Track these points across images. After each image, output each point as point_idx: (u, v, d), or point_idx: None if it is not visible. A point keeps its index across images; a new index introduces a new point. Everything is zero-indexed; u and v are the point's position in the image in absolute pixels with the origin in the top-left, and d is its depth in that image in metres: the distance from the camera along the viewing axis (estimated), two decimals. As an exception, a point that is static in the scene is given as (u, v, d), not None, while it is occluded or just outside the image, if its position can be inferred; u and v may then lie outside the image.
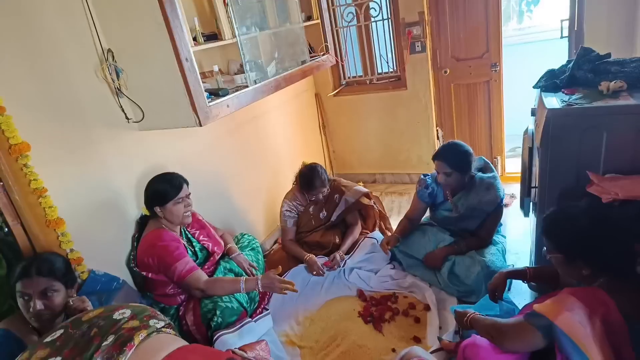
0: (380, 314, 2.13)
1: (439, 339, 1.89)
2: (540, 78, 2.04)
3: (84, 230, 1.74)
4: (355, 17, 3.48)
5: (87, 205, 1.79)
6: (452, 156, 2.14)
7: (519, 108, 2.79)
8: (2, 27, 1.50)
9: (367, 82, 3.66)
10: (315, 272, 2.34)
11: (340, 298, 2.31)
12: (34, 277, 1.38)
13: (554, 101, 1.77)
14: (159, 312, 0.87)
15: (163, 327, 0.81)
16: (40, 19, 1.62)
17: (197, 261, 1.94)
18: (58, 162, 1.67)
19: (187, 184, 1.91)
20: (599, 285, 1.30)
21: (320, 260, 2.41)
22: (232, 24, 2.14)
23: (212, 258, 2.01)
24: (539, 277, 1.75)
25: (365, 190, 2.62)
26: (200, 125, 1.85)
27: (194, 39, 2.04)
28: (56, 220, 1.60)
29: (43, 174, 1.57)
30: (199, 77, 1.85)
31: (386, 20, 3.40)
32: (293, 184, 2.61)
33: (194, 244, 2.00)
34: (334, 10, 3.47)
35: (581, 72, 1.90)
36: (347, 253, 2.45)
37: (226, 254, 2.11)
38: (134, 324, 0.79)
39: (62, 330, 0.80)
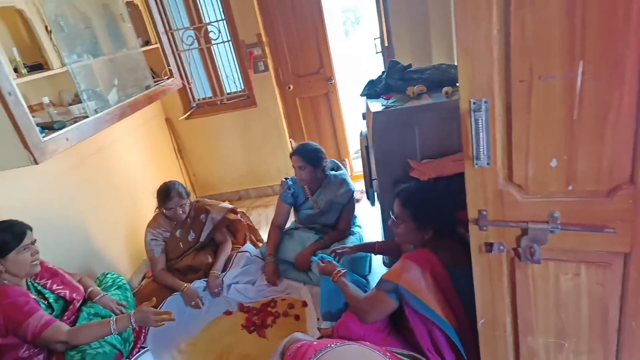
0: (262, 320, 2.22)
1: (319, 329, 2.07)
2: (364, 87, 2.41)
3: None
4: (195, 40, 3.53)
5: None
6: (304, 151, 2.40)
7: (358, 113, 3.21)
8: None
9: (218, 102, 3.73)
10: (194, 304, 2.31)
11: (222, 316, 2.32)
12: None
13: (376, 106, 2.12)
14: None
15: None
16: None
17: (54, 313, 1.74)
18: None
19: (31, 229, 1.71)
20: (428, 247, 1.64)
21: (199, 284, 2.38)
22: (59, 52, 2.00)
23: (71, 307, 1.82)
24: (385, 250, 2.09)
25: (230, 206, 2.70)
26: (37, 163, 1.69)
27: (15, 70, 1.86)
28: None
29: None
30: (28, 111, 1.69)
31: (227, 43, 3.53)
32: (155, 211, 2.53)
33: (46, 295, 1.79)
34: (172, 34, 3.46)
35: (392, 80, 2.31)
36: (223, 271, 2.47)
37: (88, 299, 1.93)
38: None
39: None
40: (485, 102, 1.01)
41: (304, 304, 2.30)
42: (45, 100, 1.95)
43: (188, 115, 3.70)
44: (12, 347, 1.62)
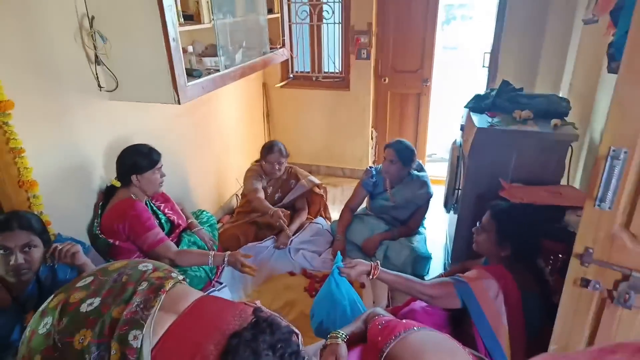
0: (323, 289, 2.41)
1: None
2: (470, 100, 2.48)
3: (52, 194, 1.73)
4: (308, 16, 3.70)
5: (58, 170, 1.77)
6: (401, 148, 2.52)
7: (439, 120, 3.27)
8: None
9: (313, 78, 3.90)
10: (278, 224, 2.53)
11: (286, 274, 2.54)
12: (16, 230, 1.37)
13: (482, 121, 2.20)
14: (174, 269, 0.97)
15: (181, 280, 0.93)
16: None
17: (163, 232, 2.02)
18: (35, 124, 1.64)
19: (161, 156, 1.99)
20: (503, 265, 1.73)
21: (268, 243, 2.62)
22: (210, 8, 2.22)
23: (176, 230, 2.10)
24: None
25: (318, 181, 2.94)
26: (179, 104, 1.93)
27: (175, 18, 2.09)
28: (30, 182, 1.59)
29: (22, 134, 1.55)
30: (182, 58, 1.92)
31: (337, 24, 3.67)
32: (253, 163, 2.80)
33: (159, 215, 2.07)
34: (289, 5, 3.64)
35: (500, 100, 2.37)
36: (294, 234, 2.69)
37: (188, 228, 2.20)
38: (160, 274, 0.91)
39: (92, 277, 0.90)
40: (625, 152, 1.09)
41: (362, 285, 2.47)
42: (190, 48, 2.19)
43: (284, 85, 3.90)
44: (127, 251, 1.91)
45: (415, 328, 1.26)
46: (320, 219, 2.84)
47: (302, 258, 2.62)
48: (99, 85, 1.94)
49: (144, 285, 0.87)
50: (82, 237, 1.91)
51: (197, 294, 0.91)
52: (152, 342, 0.78)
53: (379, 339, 1.23)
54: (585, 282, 1.23)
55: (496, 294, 1.59)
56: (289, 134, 4.11)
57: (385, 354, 1.18)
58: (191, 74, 2.10)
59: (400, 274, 1.79)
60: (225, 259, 1.90)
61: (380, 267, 1.73)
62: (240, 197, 3.03)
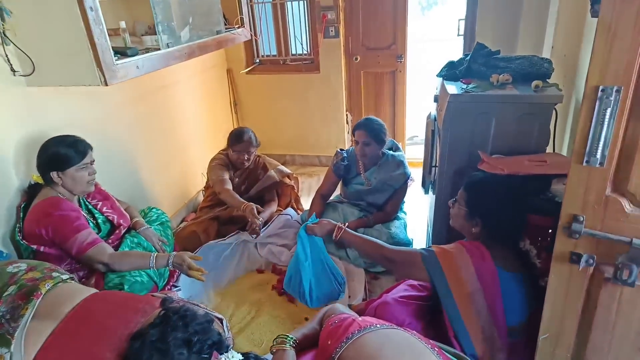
0: (293, 286, 2.18)
1: (349, 306, 2.00)
2: (442, 68, 2.25)
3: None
4: (270, -6, 3.44)
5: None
6: (371, 127, 2.30)
7: (419, 99, 3.06)
8: None
9: (281, 62, 3.65)
10: (250, 224, 2.27)
11: (253, 273, 2.31)
12: None
13: (454, 89, 1.97)
14: (59, 267, 0.86)
15: (68, 278, 0.80)
16: None
17: (100, 234, 1.77)
18: None
19: (92, 149, 1.73)
20: (480, 241, 1.51)
21: (232, 239, 2.38)
22: (143, -21, 1.97)
23: (117, 232, 1.85)
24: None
25: (288, 171, 2.73)
26: (106, 85, 1.68)
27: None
28: None
29: None
30: (106, 31, 1.67)
31: (302, 1, 3.42)
32: (219, 152, 2.61)
33: (96, 215, 1.82)
34: (249, -17, 3.39)
35: (476, 65, 2.14)
36: (265, 225, 2.45)
37: (132, 228, 1.95)
38: (36, 275, 0.76)
39: None
40: (618, 90, 0.87)
41: (337, 279, 2.24)
42: (122, 24, 1.93)
43: (250, 70, 3.65)
44: (55, 258, 1.66)
45: (372, 326, 1.04)
46: (289, 210, 2.60)
47: (269, 253, 2.39)
48: (12, 69, 1.68)
49: (12, 289, 0.72)
50: (4, 246, 1.66)
51: (87, 292, 0.76)
52: (28, 359, 0.65)
53: (329, 342, 1.00)
54: (575, 258, 1.01)
55: (467, 267, 1.38)
56: (259, 123, 3.85)
57: None
58: (124, 52, 1.85)
59: (367, 237, 1.68)
60: (170, 260, 1.67)
61: (346, 228, 1.72)
62: (204, 191, 2.78)
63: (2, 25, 1.58)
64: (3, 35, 1.60)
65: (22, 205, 1.70)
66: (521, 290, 1.39)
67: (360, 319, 1.10)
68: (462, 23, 2.94)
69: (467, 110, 1.90)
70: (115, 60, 1.73)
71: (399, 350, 0.97)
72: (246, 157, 2.50)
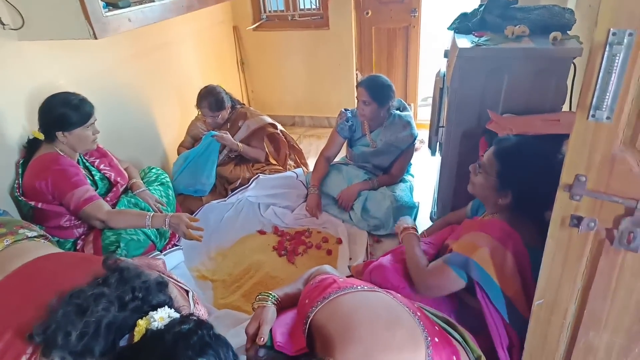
0: (294, 247, 2.17)
1: (349, 267, 1.99)
2: (454, 20, 2.10)
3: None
4: (277, -56, 3.25)
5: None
6: (374, 86, 2.18)
7: (435, 58, 2.88)
8: None
9: (289, 17, 3.50)
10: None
11: (255, 234, 2.31)
12: None
13: (465, 42, 1.84)
14: (34, 225, 0.85)
15: (36, 236, 0.79)
16: None
17: (97, 192, 1.77)
18: None
19: (94, 109, 1.71)
20: (502, 218, 1.36)
21: (233, 199, 2.36)
22: None
23: (114, 189, 1.84)
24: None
25: (271, 120, 2.60)
26: (96, 38, 1.63)
27: None
28: None
29: None
30: (93, -20, 1.60)
31: (311, -49, 3.22)
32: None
33: (93, 172, 1.82)
34: None
35: (491, 16, 1.98)
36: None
37: (129, 190, 1.95)
38: (1, 231, 0.78)
39: None
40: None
41: (339, 241, 2.22)
42: (114, -25, 1.84)
43: (256, 27, 3.52)
44: (55, 215, 1.68)
45: (352, 287, 1.00)
46: (298, 170, 2.55)
47: (272, 214, 2.37)
48: (2, 23, 1.64)
49: None
50: (3, 202, 1.68)
51: (41, 252, 0.74)
52: None
53: (306, 302, 0.98)
54: (576, 221, 0.94)
55: (505, 258, 1.25)
56: (267, 83, 3.76)
57: (309, 320, 0.93)
58: (115, 4, 1.77)
59: (420, 251, 1.49)
60: (167, 220, 1.66)
61: (414, 234, 1.57)
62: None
63: (-14, -26, 1.52)
64: (-12, -15, 1.55)
65: (21, 161, 1.71)
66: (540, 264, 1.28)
67: (341, 279, 1.07)
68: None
69: (478, 65, 1.77)
70: (105, 12, 1.67)
71: (375, 312, 0.93)
72: (210, 120, 2.42)
